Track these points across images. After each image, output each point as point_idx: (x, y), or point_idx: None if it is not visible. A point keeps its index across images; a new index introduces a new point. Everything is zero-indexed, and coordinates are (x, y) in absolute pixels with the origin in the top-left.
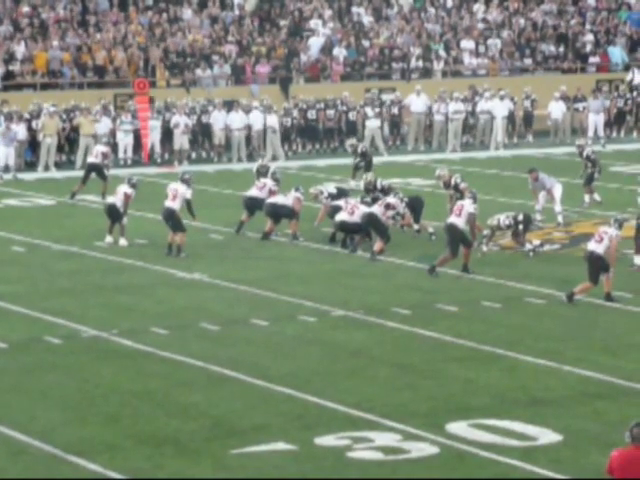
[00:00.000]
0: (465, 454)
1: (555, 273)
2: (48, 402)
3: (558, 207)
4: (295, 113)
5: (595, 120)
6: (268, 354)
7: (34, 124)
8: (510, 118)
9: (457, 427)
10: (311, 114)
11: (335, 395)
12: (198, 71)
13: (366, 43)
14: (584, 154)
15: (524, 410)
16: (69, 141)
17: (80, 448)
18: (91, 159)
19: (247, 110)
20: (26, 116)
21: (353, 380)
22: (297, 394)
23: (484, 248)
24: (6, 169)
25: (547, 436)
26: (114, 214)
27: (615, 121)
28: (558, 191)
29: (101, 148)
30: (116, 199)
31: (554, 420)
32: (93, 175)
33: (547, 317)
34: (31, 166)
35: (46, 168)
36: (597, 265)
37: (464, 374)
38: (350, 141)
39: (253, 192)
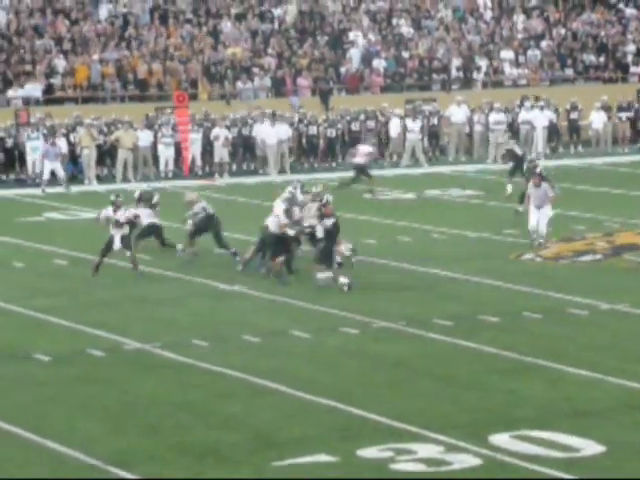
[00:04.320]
0: (508, 466)
1: (596, 283)
2: (89, 413)
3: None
4: (340, 125)
5: None
6: (309, 366)
7: (72, 137)
8: (551, 128)
9: (500, 439)
10: (355, 126)
11: (377, 407)
12: (239, 84)
13: (406, 54)
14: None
15: (567, 421)
16: (110, 155)
17: (120, 459)
18: None
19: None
20: (62, 130)
21: (395, 392)
22: (339, 406)
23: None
24: (51, 182)
25: (591, 447)
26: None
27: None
28: (548, 211)
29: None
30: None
31: (598, 431)
32: None
33: (589, 328)
34: (72, 179)
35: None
36: None
37: (507, 385)
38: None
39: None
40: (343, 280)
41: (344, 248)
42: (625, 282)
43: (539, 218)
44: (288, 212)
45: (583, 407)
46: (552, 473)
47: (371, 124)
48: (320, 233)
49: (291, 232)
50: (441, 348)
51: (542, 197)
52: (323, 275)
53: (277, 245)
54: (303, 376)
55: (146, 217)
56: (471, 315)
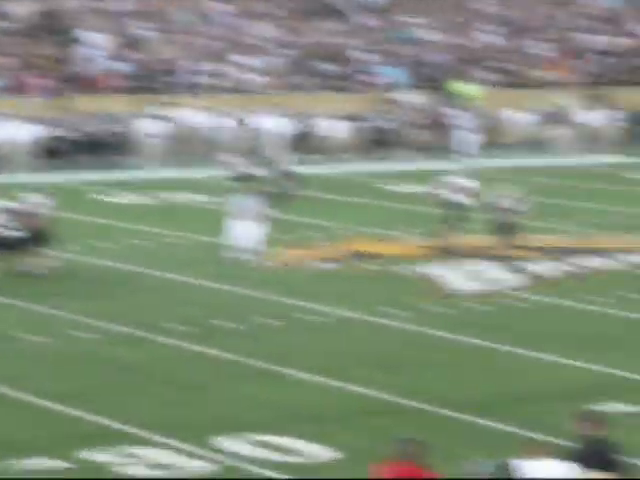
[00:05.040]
0: (238, 470)
1: (332, 290)
2: None
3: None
4: (73, 126)
5: None
6: (39, 370)
7: None
8: (293, 137)
9: (230, 443)
10: (89, 127)
11: (107, 410)
12: None
13: (145, 56)
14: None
15: (298, 426)
16: None
17: None
18: None
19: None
20: None
21: (125, 396)
22: (67, 409)
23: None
24: None
25: (323, 452)
26: None
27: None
28: (260, 224)
29: None
30: None
31: (329, 437)
32: None
33: (324, 334)
34: None
35: None
36: None
37: (237, 390)
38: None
39: None
40: None
41: (46, 262)
42: (361, 290)
43: (249, 232)
44: None
45: (315, 412)
46: (284, 478)
47: (113, 127)
48: None
49: None
50: (173, 352)
51: (254, 209)
52: None
53: None
54: (33, 380)
55: None
56: (204, 319)
